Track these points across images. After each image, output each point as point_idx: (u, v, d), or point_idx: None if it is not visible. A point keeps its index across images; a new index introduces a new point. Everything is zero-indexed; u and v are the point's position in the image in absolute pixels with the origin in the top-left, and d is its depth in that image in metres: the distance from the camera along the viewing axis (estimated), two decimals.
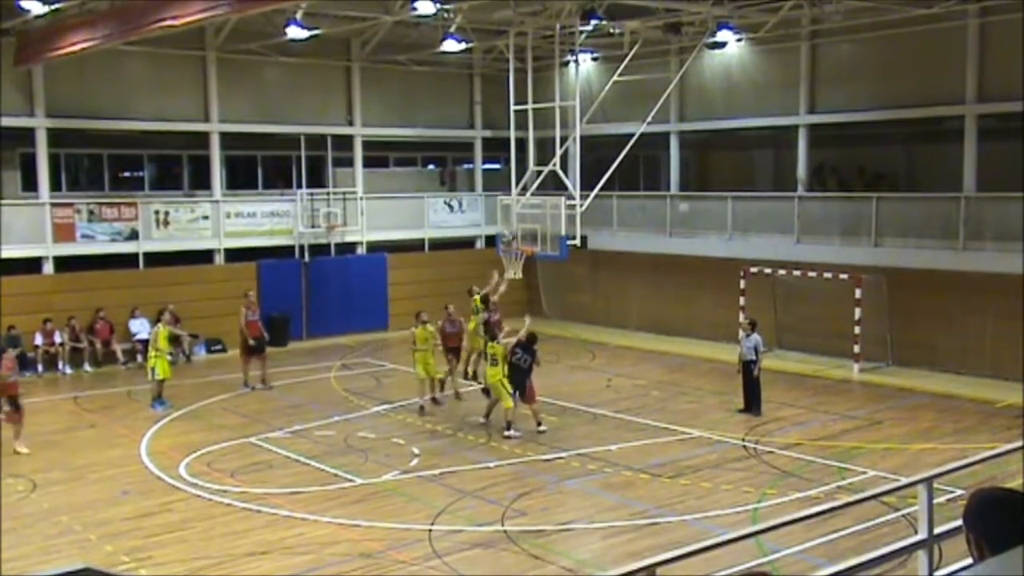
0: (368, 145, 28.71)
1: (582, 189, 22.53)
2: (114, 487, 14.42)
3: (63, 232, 23.53)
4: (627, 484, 14.36)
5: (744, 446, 16.16)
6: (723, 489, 13.95)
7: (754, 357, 18.06)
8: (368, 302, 27.68)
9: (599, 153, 24.91)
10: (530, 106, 22.43)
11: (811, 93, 24.39)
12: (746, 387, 18.31)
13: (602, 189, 23.08)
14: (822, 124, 24.58)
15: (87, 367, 22.97)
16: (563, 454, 15.79)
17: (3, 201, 22.82)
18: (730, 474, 14.67)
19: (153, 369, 19.15)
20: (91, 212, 23.91)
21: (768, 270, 23.40)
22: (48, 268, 23.54)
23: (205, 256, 25.73)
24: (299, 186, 27.26)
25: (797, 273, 22.91)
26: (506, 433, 16.70)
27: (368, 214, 27.95)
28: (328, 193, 27.27)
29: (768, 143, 27.67)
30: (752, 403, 18.17)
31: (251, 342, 20.97)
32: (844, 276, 21.73)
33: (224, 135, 26.04)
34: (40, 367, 22.38)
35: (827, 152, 25.62)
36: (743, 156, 29.09)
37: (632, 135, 23.33)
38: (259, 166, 28.20)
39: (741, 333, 18.79)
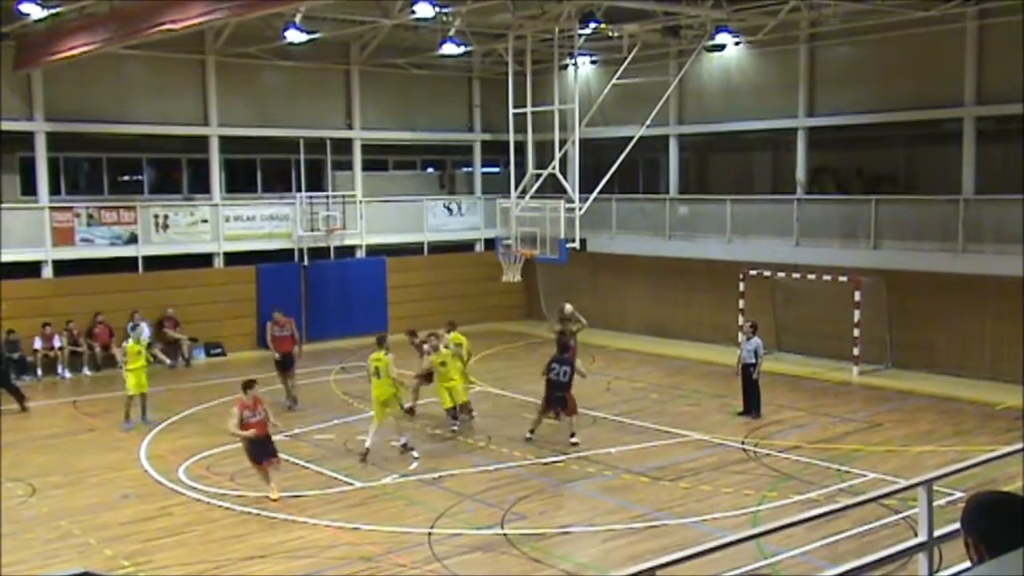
0: (367, 148, 28.73)
1: (581, 192, 22.56)
2: (113, 491, 14.41)
3: (62, 236, 23.52)
4: (627, 487, 14.35)
5: (744, 449, 16.16)
6: (723, 492, 13.94)
7: (753, 360, 18.04)
8: (367, 305, 27.65)
9: (598, 156, 24.91)
10: (529, 109, 22.47)
11: (810, 96, 24.41)
12: (745, 390, 18.31)
13: (601, 192, 23.13)
14: (821, 127, 24.60)
15: (86, 371, 22.96)
16: (562, 457, 15.78)
17: (2, 205, 22.83)
18: (730, 477, 14.66)
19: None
20: (90, 216, 23.91)
21: (767, 272, 23.42)
22: (47, 272, 23.53)
23: (204, 260, 25.72)
24: (298, 189, 27.28)
25: (796, 275, 22.93)
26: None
27: (367, 217, 27.96)
28: (327, 196, 27.28)
29: (767, 146, 27.68)
30: (752, 406, 18.17)
31: (277, 356, 19.99)
32: (843, 278, 21.73)
33: (223, 139, 26.04)
34: (39, 371, 22.35)
35: (826, 154, 25.64)
36: (742, 159, 29.10)
37: (631, 138, 23.35)
38: (258, 169, 28.23)
39: (741, 336, 18.76)
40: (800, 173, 24.66)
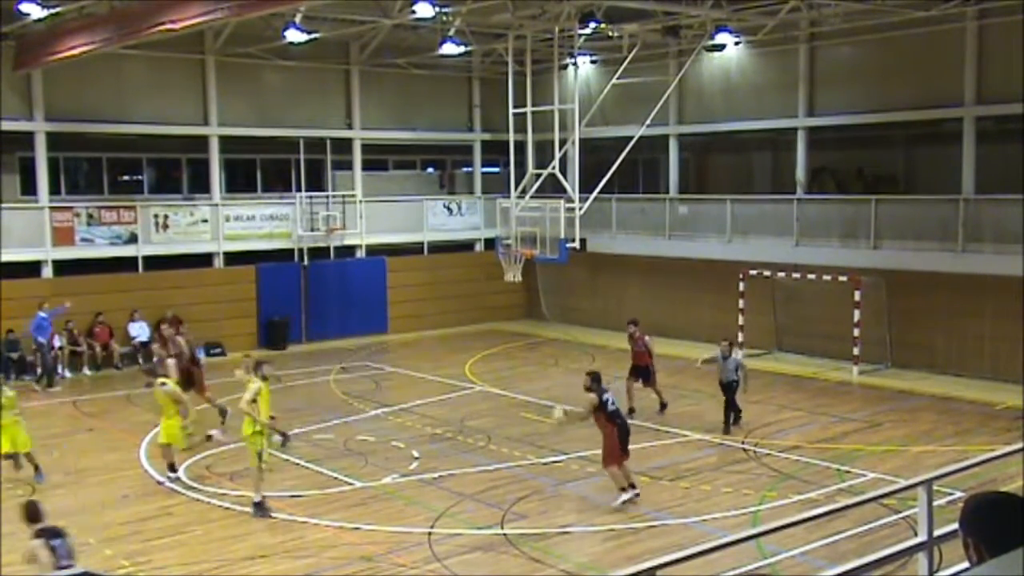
0: (367, 148, 28.73)
1: (581, 192, 22.58)
2: (113, 491, 14.41)
3: (62, 236, 23.53)
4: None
5: (744, 448, 16.16)
6: (723, 491, 13.95)
7: (736, 378, 17.16)
8: (367, 305, 27.69)
9: (598, 156, 24.92)
10: (529, 109, 22.48)
11: (810, 96, 24.40)
12: (728, 408, 17.40)
13: (601, 192, 23.14)
14: (821, 127, 24.61)
15: (86, 371, 22.96)
16: (562, 457, 15.78)
17: (2, 205, 22.82)
18: (730, 476, 14.67)
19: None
20: (90, 216, 23.91)
21: (767, 272, 23.41)
22: (47, 272, 23.53)
23: (204, 259, 25.72)
24: (298, 189, 27.28)
25: (796, 275, 22.93)
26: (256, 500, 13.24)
27: (367, 217, 27.96)
28: (327, 196, 27.28)
29: (767, 146, 27.68)
30: (735, 417, 17.38)
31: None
32: (843, 278, 21.73)
33: (223, 138, 26.04)
34: (39, 371, 22.33)
35: (826, 155, 25.64)
36: (742, 159, 29.11)
37: (631, 138, 23.35)
38: (258, 169, 28.24)
39: (717, 352, 17.60)
40: (800, 173, 24.66)
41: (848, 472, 14.65)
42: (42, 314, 21.70)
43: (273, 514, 13.20)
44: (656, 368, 18.67)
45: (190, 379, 17.63)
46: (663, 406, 18.56)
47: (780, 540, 10.76)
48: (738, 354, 17.76)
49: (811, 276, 22.41)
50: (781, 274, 23.25)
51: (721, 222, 24.98)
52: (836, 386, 20.99)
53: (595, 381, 13.73)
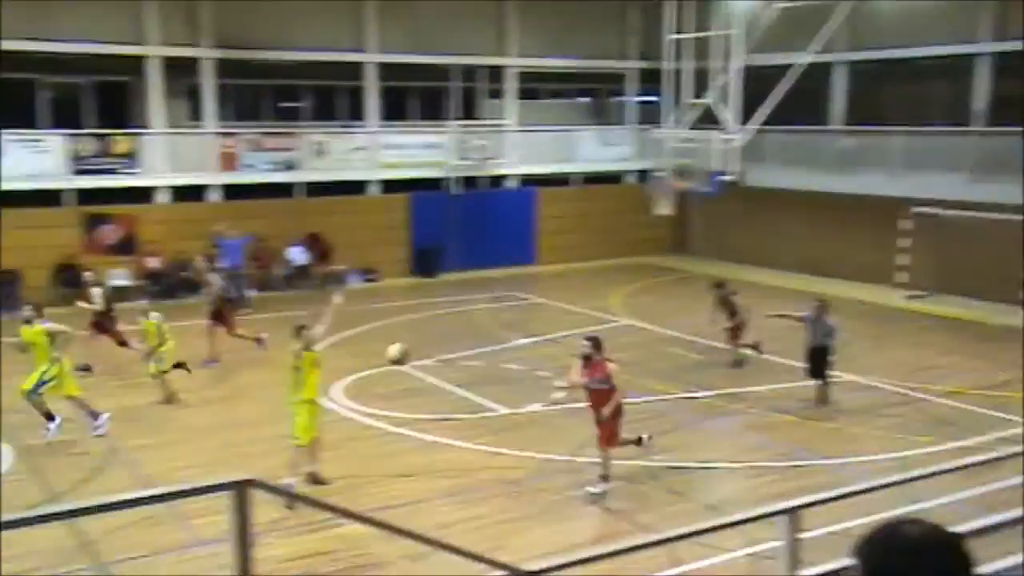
0: (520, 77, 28.51)
1: (740, 123, 21.83)
2: (272, 407, 15.05)
3: (226, 161, 24.38)
4: (772, 426, 14.12)
5: (900, 392, 15.62)
6: (873, 435, 13.55)
7: (827, 343, 14.96)
8: (517, 236, 27.82)
9: (760, 85, 24.03)
10: (688, 35, 21.79)
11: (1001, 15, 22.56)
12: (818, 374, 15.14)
13: (762, 123, 22.26)
14: (1009, 52, 22.85)
15: (254, 291, 23.71)
16: (708, 393, 15.62)
17: (172, 130, 23.80)
18: (883, 420, 14.24)
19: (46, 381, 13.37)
20: (253, 142, 24.65)
21: (935, 210, 22.26)
22: (215, 196, 24.44)
23: (357, 187, 26.23)
24: (452, 117, 27.41)
25: (966, 214, 21.72)
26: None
27: (519, 147, 27.91)
28: (480, 125, 27.31)
29: (945, 72, 25.88)
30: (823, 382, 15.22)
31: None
32: (1018, 217, 20.46)
33: (379, 65, 26.21)
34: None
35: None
36: (917, 88, 27.40)
37: (796, 65, 22.25)
38: (414, 98, 28.44)
39: (809, 313, 15.23)
40: (979, 103, 23.05)
41: (1009, 420, 13.99)
42: (227, 240, 22.47)
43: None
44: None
45: (219, 317, 17.82)
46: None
47: (930, 488, 10.38)
48: (832, 318, 15.23)
49: (982, 215, 21.19)
50: (949, 212, 22.07)
51: (889, 155, 23.77)
52: (1002, 332, 19.96)
53: (596, 347, 11.68)
